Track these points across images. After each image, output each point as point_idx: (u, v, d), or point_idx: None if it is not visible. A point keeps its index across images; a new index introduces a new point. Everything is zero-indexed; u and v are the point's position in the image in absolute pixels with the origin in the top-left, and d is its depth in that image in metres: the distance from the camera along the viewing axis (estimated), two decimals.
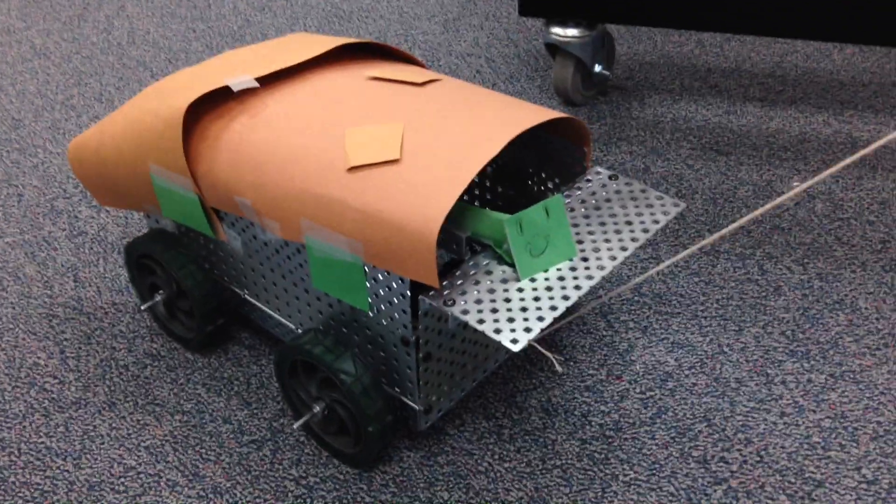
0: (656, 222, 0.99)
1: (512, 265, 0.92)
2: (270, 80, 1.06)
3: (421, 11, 2.16)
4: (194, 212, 1.07)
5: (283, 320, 1.13)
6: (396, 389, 1.02)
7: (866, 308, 1.27)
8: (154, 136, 1.03)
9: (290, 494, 1.05)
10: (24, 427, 1.15)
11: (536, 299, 0.88)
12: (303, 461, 1.09)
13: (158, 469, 1.09)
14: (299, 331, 1.11)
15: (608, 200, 1.02)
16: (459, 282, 0.91)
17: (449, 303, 0.88)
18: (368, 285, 0.94)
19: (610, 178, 1.05)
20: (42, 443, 1.13)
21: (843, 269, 1.34)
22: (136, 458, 1.10)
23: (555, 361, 0.95)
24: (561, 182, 1.11)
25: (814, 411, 1.13)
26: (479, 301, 0.89)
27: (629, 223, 0.98)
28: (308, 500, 1.04)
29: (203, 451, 1.11)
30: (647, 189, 1.03)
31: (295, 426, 1.03)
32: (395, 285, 0.91)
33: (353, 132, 0.94)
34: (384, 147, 0.92)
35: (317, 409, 1.04)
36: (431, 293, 0.90)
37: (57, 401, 1.18)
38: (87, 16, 2.19)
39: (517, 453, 1.09)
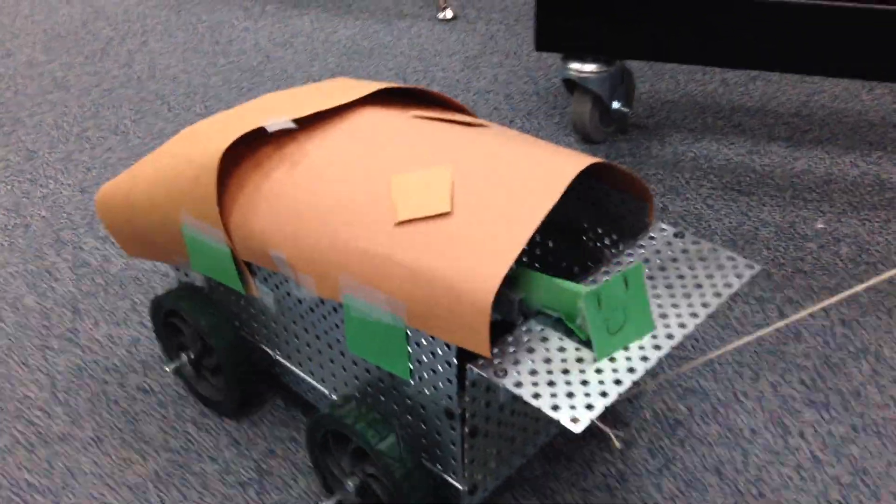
0: (729, 286, 0.89)
1: (580, 339, 0.83)
2: (310, 125, 0.99)
3: (441, 48, 2.14)
4: (225, 265, 1.00)
5: (317, 384, 1.04)
6: (438, 466, 0.92)
7: (892, 357, 1.20)
8: (187, 184, 0.97)
9: None
10: (7, 461, 1.11)
11: (598, 371, 0.79)
12: None
13: None
14: (333, 396, 1.02)
15: (674, 260, 0.92)
16: (512, 349, 0.82)
17: (500, 373, 0.79)
18: (410, 351, 0.85)
19: (675, 235, 0.96)
20: (24, 478, 1.09)
21: (868, 315, 1.27)
22: (117, 496, 1.06)
23: (613, 438, 0.87)
24: (619, 238, 1.02)
25: (833, 465, 1.06)
26: (533, 372, 0.79)
27: (699, 286, 0.89)
28: None
29: (186, 491, 1.07)
30: (717, 248, 0.94)
31: None
32: (440, 352, 0.83)
33: (400, 180, 0.87)
34: (433, 197, 0.84)
35: (350, 485, 0.95)
36: (480, 362, 0.81)
37: (43, 435, 1.15)
38: (109, 50, 2.20)
39: (514, 502, 1.03)
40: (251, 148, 0.99)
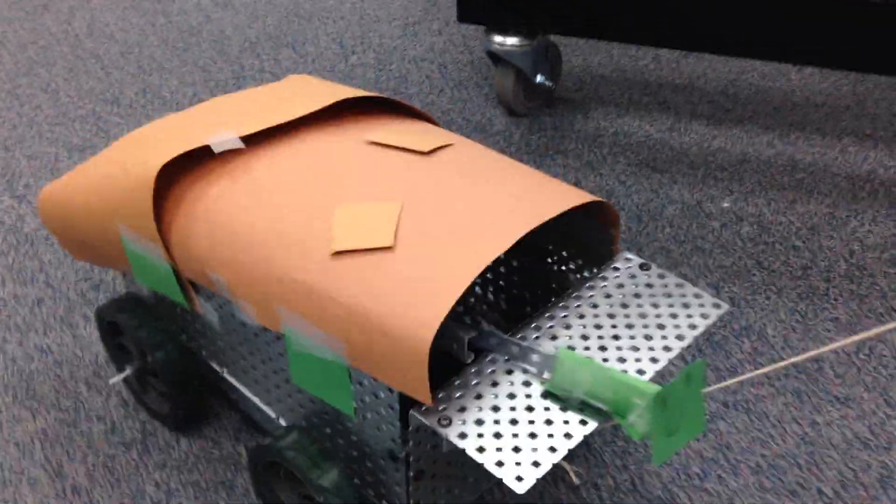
0: (693, 327, 0.84)
1: (630, 436, 0.77)
2: (259, 139, 0.94)
3: (382, 14, 2.14)
4: (167, 281, 0.96)
5: (264, 407, 1.01)
6: None
7: (774, 336, 1.23)
8: (124, 196, 0.92)
9: (148, 498, 1.03)
10: None
11: (549, 423, 0.75)
12: (168, 465, 1.07)
13: (23, 465, 1.07)
14: (280, 420, 0.99)
15: (637, 296, 0.88)
16: (458, 394, 0.78)
17: (444, 422, 0.75)
18: (353, 389, 0.82)
19: (641, 267, 0.92)
20: None
21: (758, 294, 1.30)
22: (3, 453, 1.09)
23: (572, 474, 0.83)
24: (584, 264, 0.99)
25: (697, 440, 1.09)
26: (479, 422, 0.75)
27: (661, 327, 0.85)
28: None
29: (71, 449, 1.09)
30: (684, 284, 0.90)
31: None
32: (381, 395, 0.80)
33: (344, 210, 0.83)
34: (376, 230, 0.80)
35: None
36: (424, 408, 0.77)
37: None
38: (51, 6, 2.19)
39: None
40: (194, 161, 0.94)
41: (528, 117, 1.74)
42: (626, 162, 1.60)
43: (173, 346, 1.05)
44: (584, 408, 0.77)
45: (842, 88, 1.81)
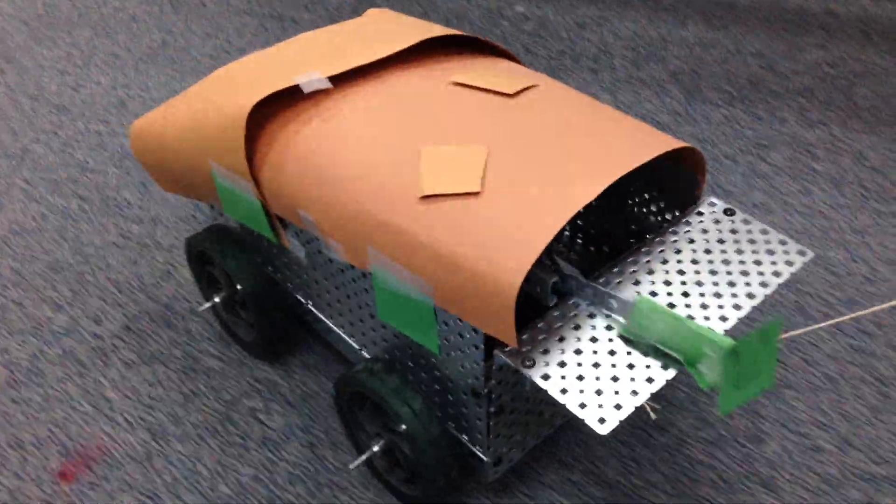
0: (777, 274, 0.84)
1: (700, 386, 0.80)
2: (346, 76, 0.96)
3: None
4: (256, 215, 0.99)
5: (347, 339, 1.04)
6: (465, 437, 0.93)
7: None
8: (216, 133, 0.95)
9: None
10: None
11: (630, 367, 0.76)
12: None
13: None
14: (363, 352, 1.02)
15: (721, 242, 0.87)
16: (542, 336, 0.80)
17: (528, 363, 0.77)
18: (438, 328, 0.84)
19: (725, 212, 0.91)
20: None
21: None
22: None
23: (650, 410, 0.80)
24: (666, 207, 0.97)
25: None
26: (562, 364, 0.77)
27: (745, 273, 0.84)
28: None
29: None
30: (769, 230, 0.88)
31: (351, 467, 0.97)
32: (467, 335, 0.81)
33: (430, 153, 0.83)
34: (463, 174, 0.80)
35: (376, 447, 0.96)
36: (508, 349, 0.79)
37: None
38: None
39: None
40: (283, 99, 0.97)
41: None
42: None
43: (259, 276, 1.08)
44: (655, 354, 0.79)
45: None
